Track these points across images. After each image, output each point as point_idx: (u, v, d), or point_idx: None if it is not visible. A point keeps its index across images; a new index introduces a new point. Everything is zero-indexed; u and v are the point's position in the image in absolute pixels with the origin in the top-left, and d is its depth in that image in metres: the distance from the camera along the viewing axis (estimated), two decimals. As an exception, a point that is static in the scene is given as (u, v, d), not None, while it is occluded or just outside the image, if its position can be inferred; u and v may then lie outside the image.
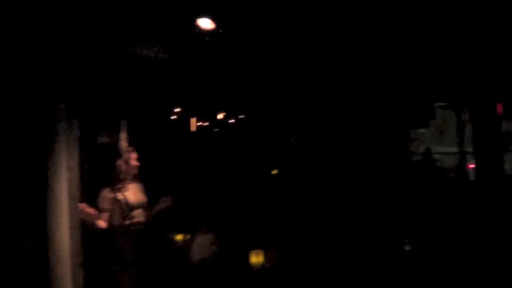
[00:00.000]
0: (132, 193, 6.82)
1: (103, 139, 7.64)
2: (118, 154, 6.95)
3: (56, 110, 5.72)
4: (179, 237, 8.02)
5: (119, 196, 6.72)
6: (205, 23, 6.47)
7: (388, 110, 10.91)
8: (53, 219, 5.60)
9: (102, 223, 6.53)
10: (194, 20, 6.45)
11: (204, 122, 12.09)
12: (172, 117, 11.02)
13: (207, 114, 11.87)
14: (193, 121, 11.78)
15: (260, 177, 11.68)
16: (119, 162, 6.89)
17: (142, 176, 7.07)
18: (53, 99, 5.72)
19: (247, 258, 7.02)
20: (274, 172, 12.58)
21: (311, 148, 11.88)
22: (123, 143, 6.97)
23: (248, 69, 8.13)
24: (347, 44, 8.19)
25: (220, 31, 6.69)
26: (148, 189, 7.12)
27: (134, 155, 6.95)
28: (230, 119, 12.13)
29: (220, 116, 11.95)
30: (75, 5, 5.71)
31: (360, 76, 9.50)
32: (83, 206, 6.28)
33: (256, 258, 7.02)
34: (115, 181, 6.82)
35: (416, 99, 10.98)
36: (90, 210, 6.30)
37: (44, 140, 5.63)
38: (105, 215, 6.62)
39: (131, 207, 6.72)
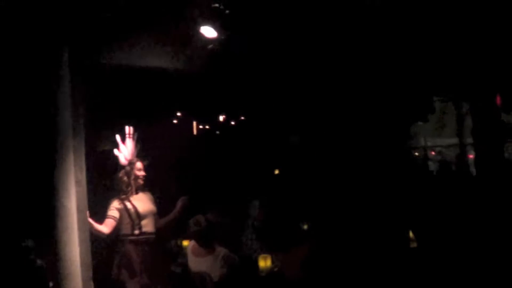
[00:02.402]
0: (141, 202, 6.85)
1: (106, 146, 7.63)
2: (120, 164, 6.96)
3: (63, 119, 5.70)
4: (185, 243, 7.99)
5: (128, 205, 6.74)
6: (209, 32, 6.51)
7: (387, 105, 10.90)
8: (62, 233, 5.59)
9: (104, 229, 6.54)
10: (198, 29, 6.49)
11: (205, 125, 12.11)
12: (174, 121, 11.04)
13: (207, 117, 11.88)
14: (194, 124, 11.81)
15: (262, 177, 11.68)
16: (121, 174, 6.90)
17: (152, 183, 7.11)
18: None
19: (255, 264, 7.03)
20: (276, 172, 12.62)
21: (311, 146, 11.88)
22: (126, 152, 6.94)
23: (247, 72, 8.14)
24: (345, 40, 8.20)
25: (223, 37, 6.72)
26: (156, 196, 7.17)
27: (138, 165, 6.95)
28: (231, 121, 12.14)
29: (220, 118, 11.96)
30: None
31: (359, 73, 9.49)
32: None
33: (264, 263, 7.02)
34: (120, 191, 6.84)
35: (415, 94, 10.97)
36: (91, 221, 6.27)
37: (52, 152, 5.62)
38: (109, 222, 6.63)
39: (140, 217, 6.74)
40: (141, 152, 7.07)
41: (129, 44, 6.50)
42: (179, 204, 7.16)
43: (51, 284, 4.91)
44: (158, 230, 7.00)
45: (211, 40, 6.68)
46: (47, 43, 5.63)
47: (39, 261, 5.59)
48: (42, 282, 4.01)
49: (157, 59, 6.76)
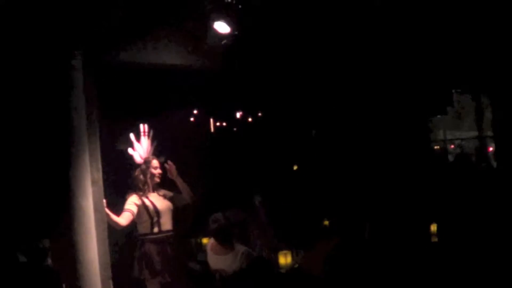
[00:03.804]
0: (159, 200, 6.81)
1: (122, 145, 7.58)
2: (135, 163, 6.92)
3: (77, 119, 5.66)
4: (205, 240, 7.95)
5: (146, 202, 6.70)
6: (222, 27, 6.46)
7: (406, 99, 10.82)
8: (80, 234, 5.55)
9: (121, 221, 6.47)
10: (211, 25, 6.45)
11: (222, 122, 12.00)
12: (191, 119, 10.96)
13: (225, 114, 11.79)
14: (211, 121, 11.71)
15: (281, 174, 11.61)
16: (137, 172, 6.86)
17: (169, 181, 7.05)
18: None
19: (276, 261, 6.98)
20: (295, 167, 12.54)
21: (331, 141, 11.81)
22: (141, 150, 6.89)
23: (262, 67, 8.08)
24: (362, 34, 8.13)
25: (236, 33, 6.67)
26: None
27: (155, 163, 6.91)
28: (248, 118, 12.03)
29: (237, 115, 11.85)
30: None
31: (377, 67, 9.42)
32: None
33: (285, 259, 6.97)
34: (137, 190, 6.80)
35: (433, 87, 10.88)
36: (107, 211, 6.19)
37: (67, 152, 5.58)
38: (127, 215, 6.57)
39: (159, 214, 6.70)
40: (157, 150, 7.01)
41: (142, 41, 6.48)
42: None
43: (64, 286, 4.86)
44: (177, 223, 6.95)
45: (224, 36, 6.62)
46: (60, 42, 5.60)
47: (50, 262, 5.53)
48: (54, 284, 3.94)
49: (171, 56, 6.72)
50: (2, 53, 5.48)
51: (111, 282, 5.91)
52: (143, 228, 6.73)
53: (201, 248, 7.94)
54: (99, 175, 5.90)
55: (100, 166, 5.93)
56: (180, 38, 6.74)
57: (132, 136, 6.83)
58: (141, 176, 6.84)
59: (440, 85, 10.86)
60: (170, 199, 6.98)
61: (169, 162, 7.03)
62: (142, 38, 6.48)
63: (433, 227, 8.08)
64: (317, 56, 8.33)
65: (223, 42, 6.72)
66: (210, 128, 11.89)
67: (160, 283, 6.66)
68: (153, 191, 6.86)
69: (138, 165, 6.87)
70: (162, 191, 6.97)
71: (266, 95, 10.27)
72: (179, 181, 7.04)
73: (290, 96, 10.50)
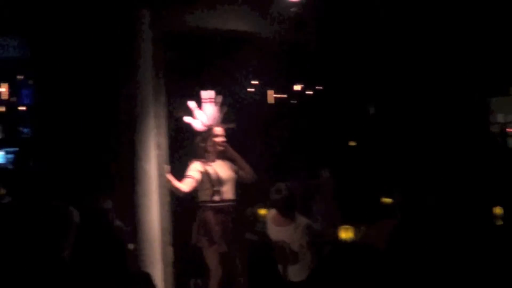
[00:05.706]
0: (222, 168, 6.67)
1: (182, 112, 7.46)
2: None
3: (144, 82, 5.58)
4: (262, 211, 7.86)
5: (209, 169, 6.58)
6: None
7: (466, 77, 10.61)
8: (142, 197, 5.51)
9: (183, 187, 6.37)
10: None
11: (281, 94, 11.90)
12: (249, 89, 10.88)
13: (284, 86, 11.70)
14: (270, 93, 11.61)
15: (338, 150, 11.51)
16: (198, 140, 6.72)
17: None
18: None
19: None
20: (352, 143, 12.41)
21: (388, 118, 11.68)
22: (204, 117, 6.74)
23: (331, 38, 7.94)
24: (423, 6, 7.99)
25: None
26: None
27: (217, 131, 6.75)
28: (307, 91, 11.92)
29: (297, 87, 11.75)
30: None
31: (438, 43, 9.24)
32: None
33: (346, 234, 6.84)
34: (201, 157, 6.69)
35: (494, 65, 10.64)
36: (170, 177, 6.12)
37: (133, 115, 5.52)
38: (189, 181, 6.48)
39: (221, 182, 6.57)
40: (227, 116, 6.86)
41: (209, 5, 6.31)
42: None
43: (132, 246, 4.82)
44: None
45: (294, 3, 6.46)
46: (128, 4, 5.51)
47: (118, 222, 5.50)
48: (119, 243, 3.89)
49: (237, 22, 6.57)
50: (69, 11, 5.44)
51: (171, 248, 5.86)
52: (204, 196, 6.62)
53: (258, 218, 7.83)
54: (163, 140, 5.83)
55: (165, 130, 5.86)
56: (248, 2, 6.57)
57: (192, 103, 6.68)
58: (202, 144, 6.71)
59: (503, 64, 10.64)
60: (235, 170, 6.84)
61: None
62: (208, 2, 6.33)
63: (497, 210, 7.86)
64: (381, 32, 8.19)
65: (291, 10, 6.56)
66: (268, 99, 11.81)
67: (217, 251, 6.57)
68: (218, 159, 6.73)
69: (200, 133, 6.74)
70: (226, 161, 6.83)
71: (330, 68, 10.14)
72: (238, 159, 6.91)
73: (352, 71, 10.37)
